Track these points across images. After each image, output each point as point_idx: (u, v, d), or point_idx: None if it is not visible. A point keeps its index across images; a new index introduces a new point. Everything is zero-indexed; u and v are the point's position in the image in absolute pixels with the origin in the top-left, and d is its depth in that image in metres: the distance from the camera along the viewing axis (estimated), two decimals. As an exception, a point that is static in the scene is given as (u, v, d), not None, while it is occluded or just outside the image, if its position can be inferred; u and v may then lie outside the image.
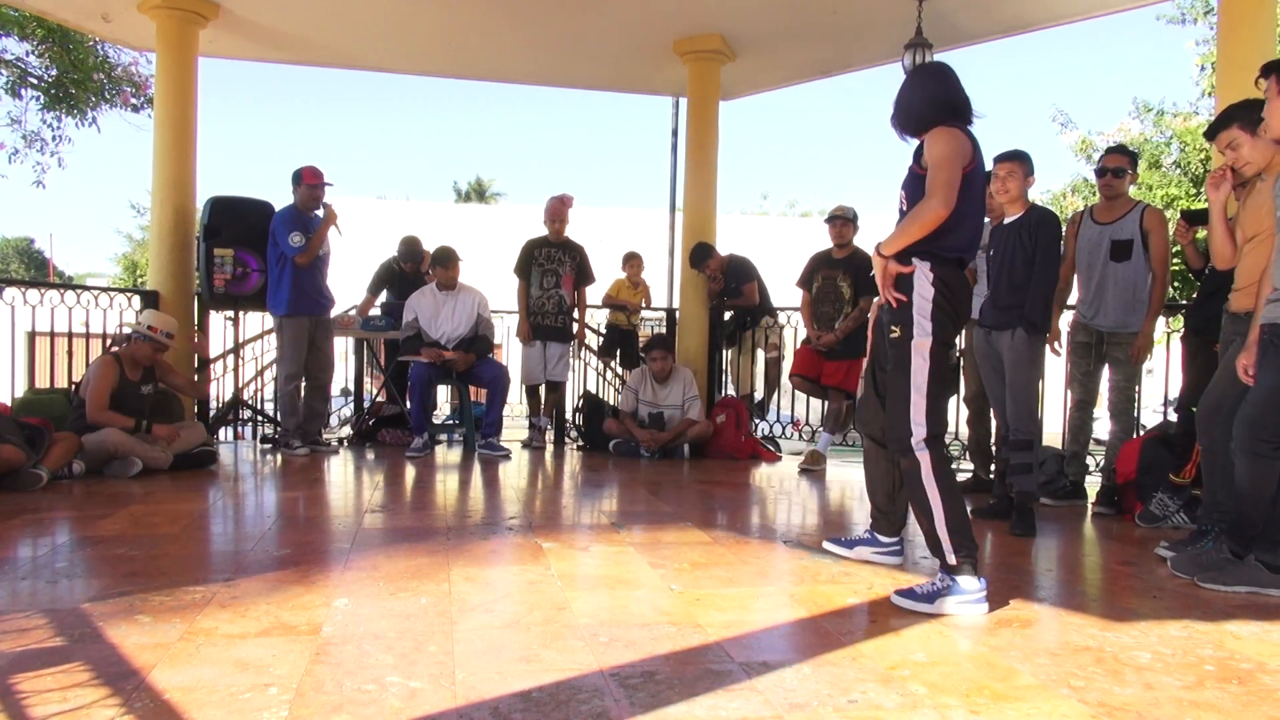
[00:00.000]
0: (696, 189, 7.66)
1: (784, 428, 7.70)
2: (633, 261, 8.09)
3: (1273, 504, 3.02)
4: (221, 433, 7.14)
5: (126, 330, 5.56)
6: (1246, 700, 2.04)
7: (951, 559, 2.73)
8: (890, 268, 2.84)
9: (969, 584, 2.70)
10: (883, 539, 3.33)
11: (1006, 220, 4.14)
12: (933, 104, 2.93)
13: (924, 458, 2.81)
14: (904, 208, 2.94)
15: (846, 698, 1.99)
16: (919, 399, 2.82)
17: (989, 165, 3.45)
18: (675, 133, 9.09)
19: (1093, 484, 5.02)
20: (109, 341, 6.09)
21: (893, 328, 2.87)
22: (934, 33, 6.47)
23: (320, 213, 6.21)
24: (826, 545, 3.45)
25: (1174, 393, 4.82)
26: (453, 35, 7.42)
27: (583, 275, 7.13)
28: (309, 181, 6.20)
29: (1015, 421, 4.10)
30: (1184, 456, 4.19)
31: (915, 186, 2.88)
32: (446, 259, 6.60)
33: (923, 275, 2.82)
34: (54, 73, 11.35)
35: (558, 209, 7.02)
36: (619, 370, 8.19)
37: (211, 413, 7.07)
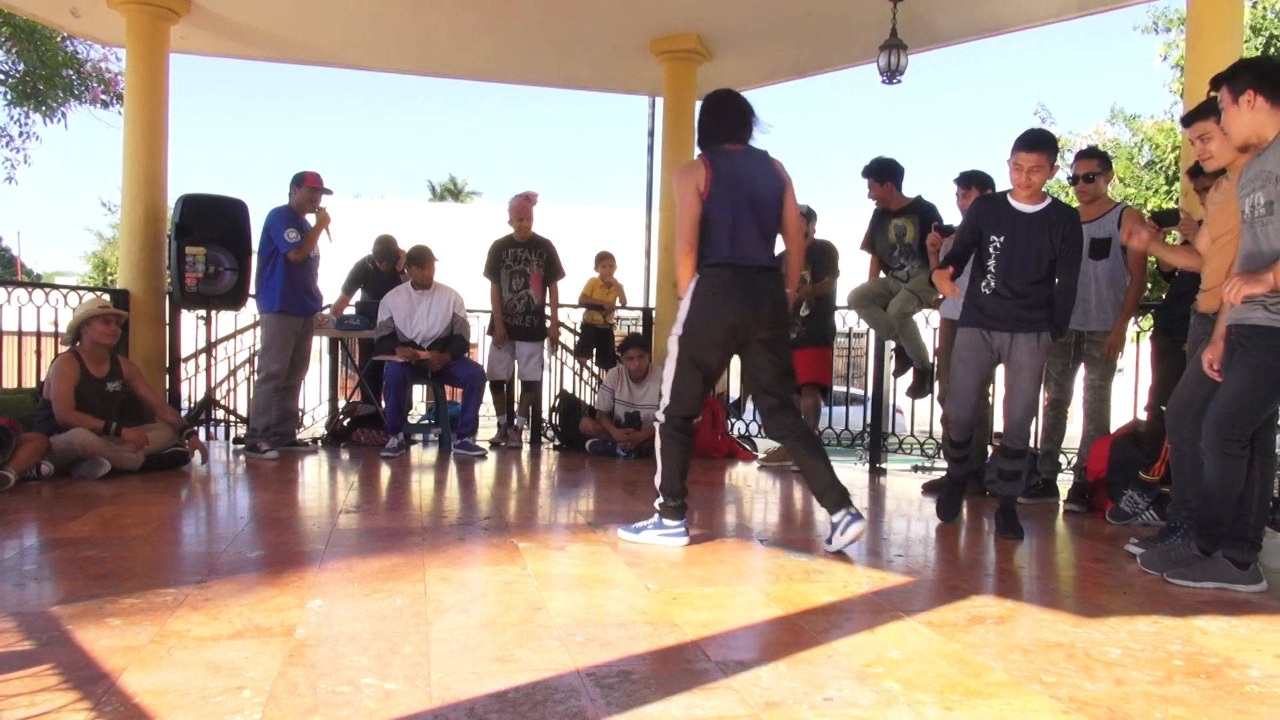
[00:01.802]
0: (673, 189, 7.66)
1: (760, 427, 7.72)
2: (605, 261, 8.08)
3: (1240, 501, 3.07)
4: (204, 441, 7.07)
5: (67, 335, 5.42)
6: (1214, 695, 2.08)
7: (658, 503, 3.58)
8: (681, 290, 3.56)
9: (670, 523, 3.56)
10: (668, 522, 3.63)
11: (1020, 208, 3.81)
12: (699, 131, 3.65)
13: (659, 430, 3.59)
14: None
15: (822, 695, 2.01)
16: (667, 384, 3.56)
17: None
18: (651, 133, 9.08)
19: (1064, 482, 5.07)
20: (60, 342, 6.00)
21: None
22: (909, 34, 6.51)
23: (313, 218, 6.18)
24: (620, 534, 3.70)
25: (1144, 392, 4.88)
26: (426, 33, 7.38)
27: (551, 271, 7.06)
28: (311, 185, 6.16)
29: (1017, 429, 3.95)
30: (1153, 455, 4.25)
31: None
32: (422, 258, 6.56)
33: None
34: (21, 69, 11.19)
35: (523, 207, 6.96)
36: (595, 370, 8.17)
37: (184, 413, 6.99)
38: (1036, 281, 3.79)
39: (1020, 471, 4.03)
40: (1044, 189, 3.85)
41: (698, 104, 7.59)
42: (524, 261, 6.97)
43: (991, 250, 3.83)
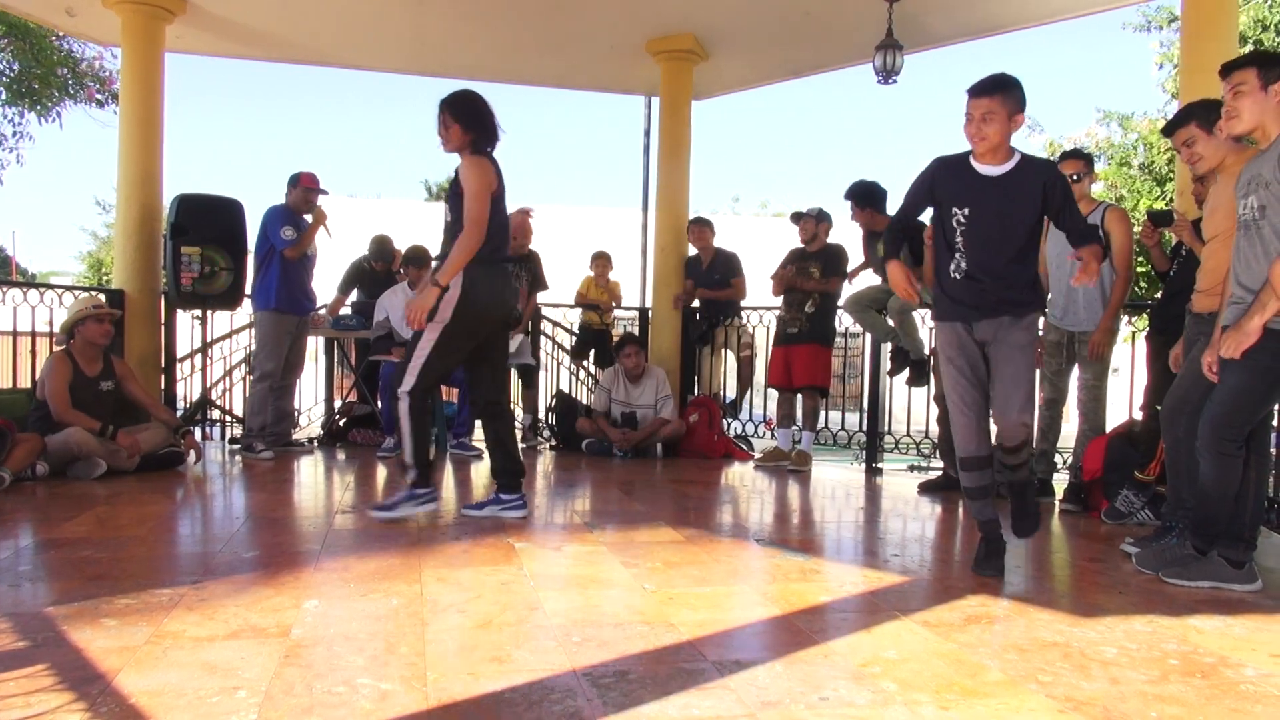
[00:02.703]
0: (669, 188, 7.66)
1: (756, 427, 7.73)
2: (600, 261, 8.08)
3: (1235, 501, 3.08)
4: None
5: (61, 335, 5.42)
6: (1210, 694, 2.08)
7: (411, 476, 3.88)
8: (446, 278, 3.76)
9: (420, 490, 3.89)
10: (504, 496, 4.02)
11: (985, 171, 3.10)
12: (468, 131, 3.83)
13: (403, 404, 3.82)
14: (448, 217, 3.87)
15: (818, 695, 2.01)
16: (417, 361, 3.82)
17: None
18: (648, 132, 9.07)
19: (1059, 481, 5.08)
20: (54, 342, 6.00)
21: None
22: (904, 34, 6.51)
23: (310, 217, 6.18)
24: (464, 512, 4.06)
25: (1139, 391, 4.89)
26: (422, 33, 7.36)
27: (535, 284, 7.09)
28: (306, 185, 6.17)
29: (1022, 415, 3.16)
30: (1149, 454, 4.26)
31: (456, 200, 3.79)
32: (420, 258, 6.56)
33: (464, 272, 3.76)
34: (16, 68, 11.15)
35: (522, 224, 6.96)
36: (592, 370, 8.17)
37: (179, 413, 6.97)
38: (1015, 259, 3.10)
39: (1024, 463, 3.28)
40: (1012, 145, 3.11)
41: (694, 104, 7.69)
42: (514, 278, 6.97)
43: (956, 225, 3.12)
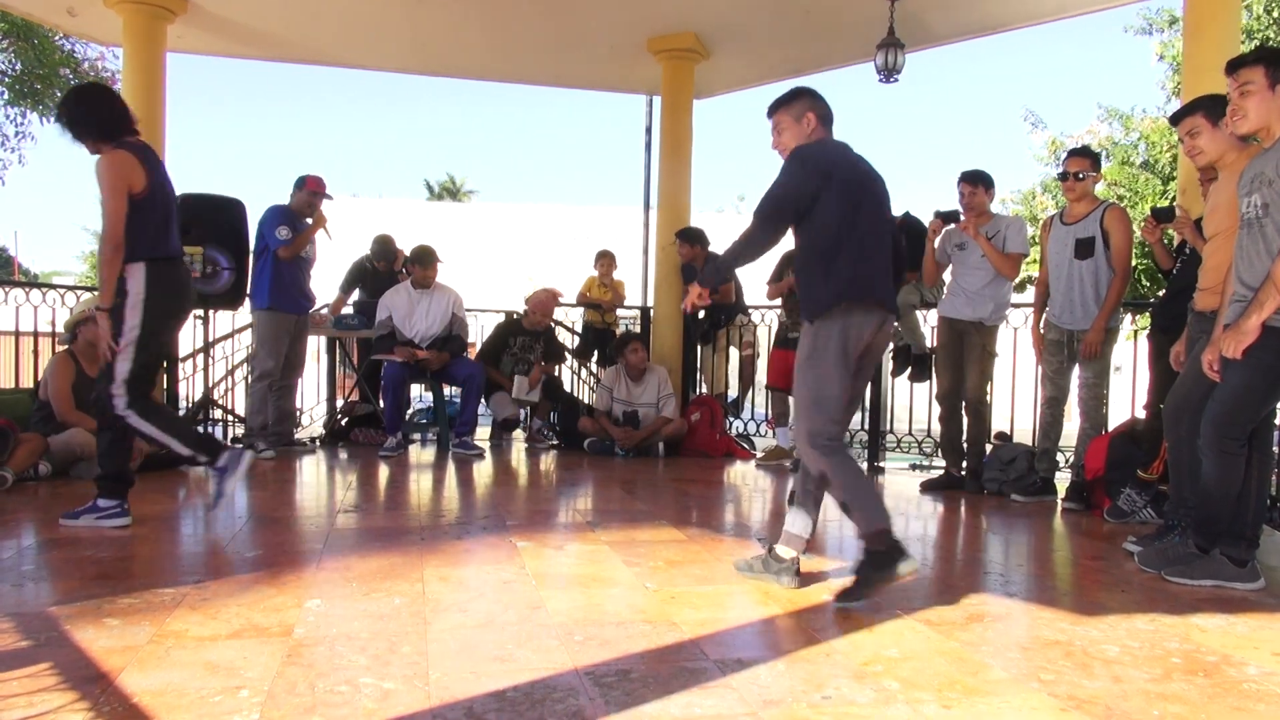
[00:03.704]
0: (671, 187, 7.67)
1: (758, 425, 7.73)
2: (604, 260, 8.08)
3: (1238, 499, 3.08)
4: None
5: (65, 335, 5.44)
6: (1212, 692, 2.08)
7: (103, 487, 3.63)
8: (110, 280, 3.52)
9: (106, 504, 3.62)
10: (101, 503, 3.68)
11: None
12: (99, 125, 3.54)
13: (130, 414, 3.57)
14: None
15: (820, 694, 2.01)
16: (122, 365, 3.55)
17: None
18: (649, 130, 9.08)
19: (1062, 480, 5.07)
20: (57, 342, 6.01)
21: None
22: (905, 33, 6.51)
23: (310, 219, 6.19)
24: (62, 522, 3.68)
25: (1142, 390, 4.88)
26: (423, 32, 7.36)
27: (550, 356, 7.24)
28: (312, 188, 6.22)
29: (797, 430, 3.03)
30: (1152, 453, 4.26)
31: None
32: (425, 257, 6.57)
33: (136, 275, 3.52)
34: (19, 67, 11.17)
35: (547, 304, 7.00)
36: (595, 370, 8.17)
37: (181, 413, 6.97)
38: (801, 256, 2.99)
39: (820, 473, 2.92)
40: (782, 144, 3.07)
41: (695, 103, 7.69)
42: (529, 350, 7.07)
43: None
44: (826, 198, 2.84)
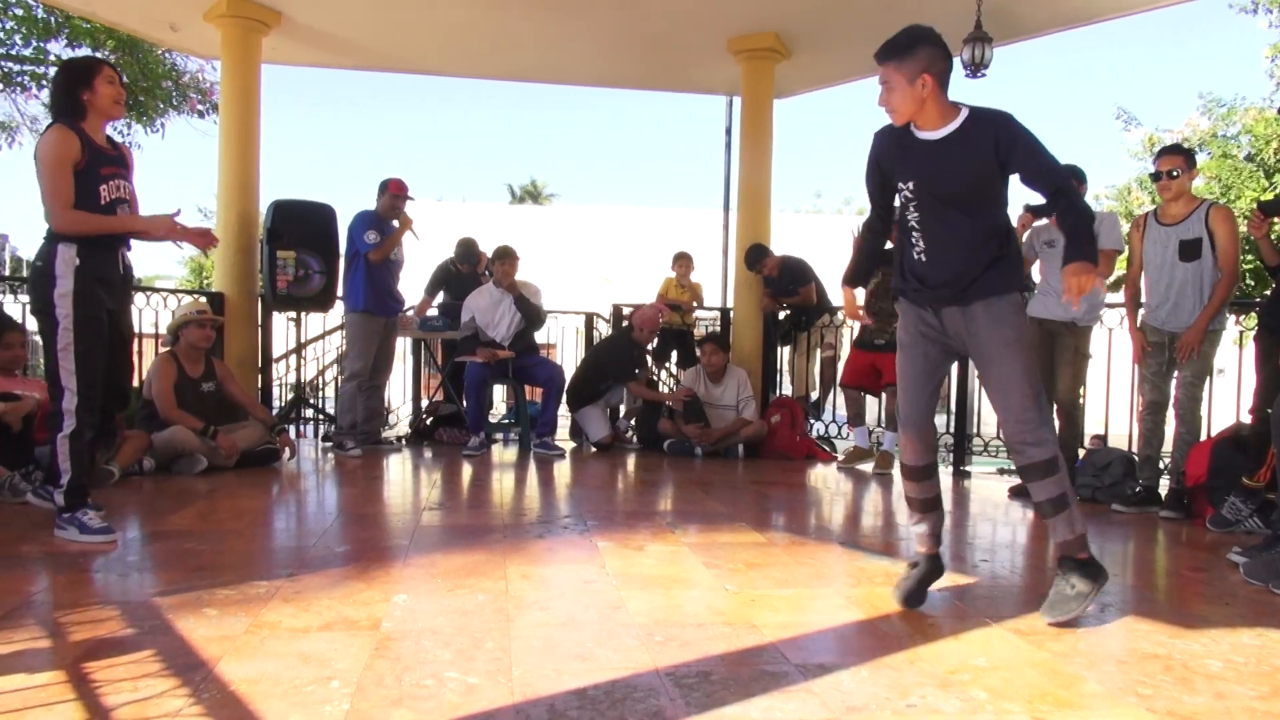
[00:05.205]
0: (751, 188, 7.62)
1: (839, 428, 7.62)
2: (682, 261, 8.08)
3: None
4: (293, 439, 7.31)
5: (167, 337, 5.67)
6: (1325, 712, 1.97)
7: (62, 500, 3.38)
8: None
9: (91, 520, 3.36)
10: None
11: (923, 136, 2.68)
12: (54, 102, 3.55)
13: (68, 423, 3.36)
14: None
15: (905, 701, 1.97)
16: (65, 366, 3.35)
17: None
18: (729, 131, 9.04)
19: (1161, 488, 4.87)
20: (160, 343, 6.26)
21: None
22: (993, 26, 6.34)
23: (397, 222, 6.35)
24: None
25: (1247, 394, 4.66)
26: (506, 39, 7.47)
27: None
28: (394, 192, 6.37)
29: (1017, 423, 2.71)
30: (1258, 459, 4.05)
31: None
32: (505, 255, 6.67)
33: (63, 258, 3.36)
34: (125, 81, 11.69)
35: (654, 320, 7.05)
36: (675, 371, 8.16)
37: (274, 411, 7.21)
38: (974, 235, 2.67)
39: (1051, 474, 2.71)
40: (955, 102, 2.69)
41: (776, 103, 7.63)
42: (643, 362, 7.26)
43: (907, 201, 2.75)
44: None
